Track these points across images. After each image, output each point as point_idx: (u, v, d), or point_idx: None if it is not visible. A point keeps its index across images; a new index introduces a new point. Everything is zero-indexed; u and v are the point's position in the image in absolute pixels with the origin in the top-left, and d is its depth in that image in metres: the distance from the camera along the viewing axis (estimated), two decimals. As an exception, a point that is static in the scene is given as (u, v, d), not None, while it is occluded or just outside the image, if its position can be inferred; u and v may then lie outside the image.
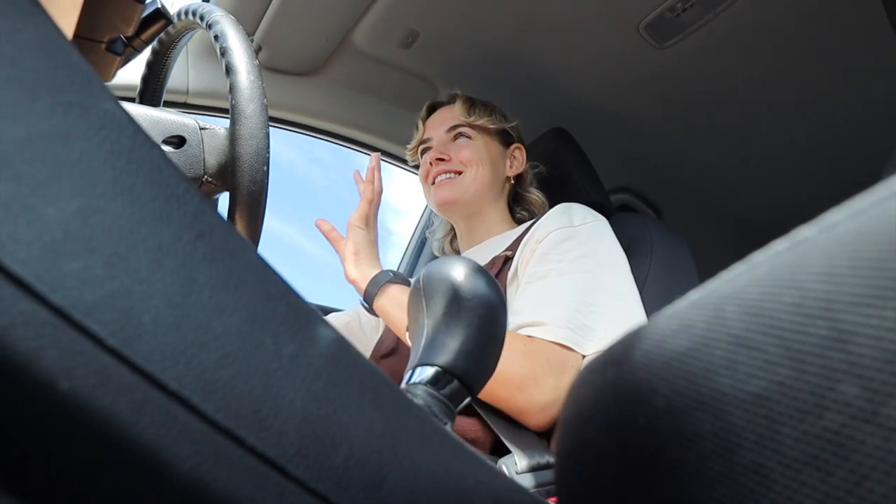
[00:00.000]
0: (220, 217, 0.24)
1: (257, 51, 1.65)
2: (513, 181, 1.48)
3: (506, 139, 1.50)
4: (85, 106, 0.21)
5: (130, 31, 0.47)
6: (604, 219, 1.23)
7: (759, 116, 1.82)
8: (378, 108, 1.92)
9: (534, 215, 1.44)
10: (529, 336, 0.99)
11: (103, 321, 0.18)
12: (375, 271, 1.20)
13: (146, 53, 0.95)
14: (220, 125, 0.82)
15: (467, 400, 0.42)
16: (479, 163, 1.39)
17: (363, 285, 1.19)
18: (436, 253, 1.68)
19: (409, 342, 0.47)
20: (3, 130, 0.18)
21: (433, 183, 1.41)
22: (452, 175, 1.39)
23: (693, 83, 1.74)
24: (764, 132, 1.89)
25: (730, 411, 0.17)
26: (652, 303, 1.13)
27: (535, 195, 1.48)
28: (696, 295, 0.21)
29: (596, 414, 0.22)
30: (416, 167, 2.00)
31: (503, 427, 0.94)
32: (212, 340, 0.21)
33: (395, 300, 1.14)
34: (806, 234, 0.18)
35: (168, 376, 0.19)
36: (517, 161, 1.48)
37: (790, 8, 1.44)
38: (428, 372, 0.41)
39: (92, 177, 0.20)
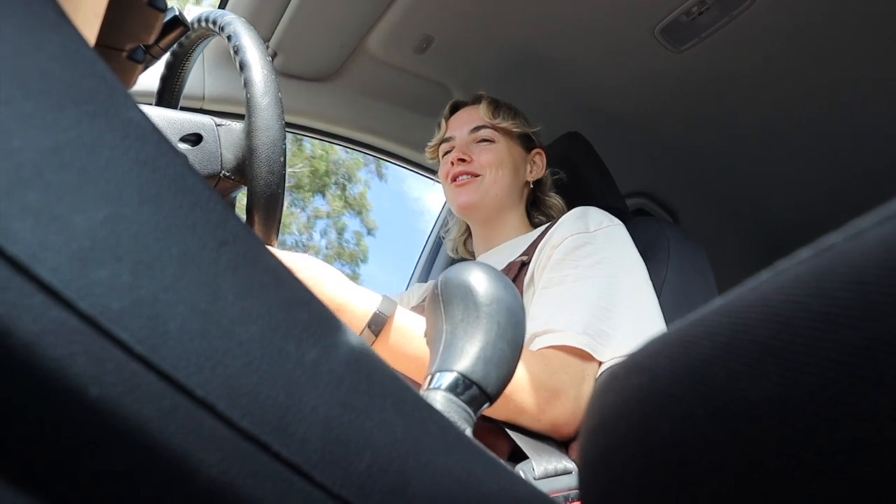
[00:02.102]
0: (243, 224, 0.24)
1: (273, 56, 1.66)
2: (532, 186, 1.48)
3: (527, 144, 1.49)
4: (110, 115, 0.21)
5: (151, 40, 0.47)
6: (620, 223, 1.22)
7: (777, 120, 1.81)
8: (393, 113, 1.92)
9: (551, 219, 1.44)
10: (544, 351, 0.98)
11: (131, 328, 0.19)
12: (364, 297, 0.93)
13: (163, 60, 0.96)
14: (237, 121, 0.83)
15: (486, 406, 0.42)
16: (500, 166, 1.38)
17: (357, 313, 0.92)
18: (449, 253, 1.68)
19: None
20: (33, 140, 0.19)
21: (454, 181, 1.41)
22: (471, 177, 1.38)
23: (710, 87, 1.73)
24: (782, 136, 1.87)
25: (756, 419, 0.17)
26: (670, 308, 1.12)
27: (555, 199, 1.48)
28: (719, 302, 0.21)
29: (620, 421, 0.22)
30: (430, 170, 2.02)
31: (520, 433, 0.94)
32: (236, 347, 0.21)
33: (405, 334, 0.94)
34: (832, 241, 0.18)
35: (194, 383, 0.19)
36: (537, 166, 1.48)
37: (808, 10, 1.43)
38: (447, 378, 0.41)
39: (118, 185, 0.20)
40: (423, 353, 0.87)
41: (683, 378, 0.20)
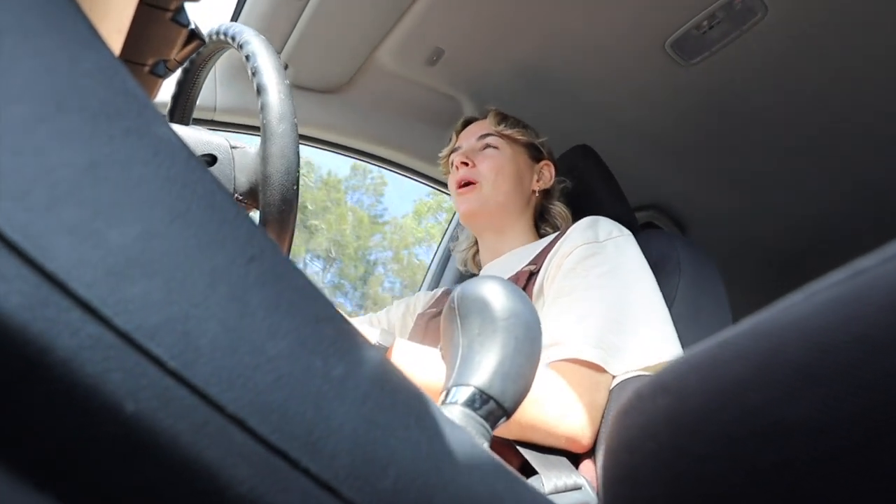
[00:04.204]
0: (270, 240, 0.24)
1: (284, 68, 1.67)
2: (538, 195, 1.48)
3: (535, 154, 1.51)
4: (142, 132, 0.22)
5: (173, 54, 0.48)
6: (629, 233, 1.22)
7: (788, 133, 1.80)
8: (403, 125, 1.93)
9: (557, 228, 1.45)
10: (556, 364, 0.98)
11: (165, 344, 0.19)
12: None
13: (176, 73, 0.97)
14: (251, 144, 0.83)
15: (503, 420, 0.42)
16: (500, 172, 1.41)
17: None
18: (458, 266, 1.68)
19: None
20: (69, 157, 0.19)
21: (458, 189, 1.43)
22: (471, 186, 1.40)
23: (720, 100, 1.73)
24: (792, 149, 1.86)
25: (792, 443, 0.17)
26: (681, 320, 1.11)
27: (559, 207, 1.48)
28: (749, 323, 0.21)
29: (648, 441, 0.22)
30: (440, 182, 2.02)
31: (530, 448, 0.93)
32: (266, 363, 0.21)
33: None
34: (865, 264, 0.18)
35: (226, 398, 0.19)
36: (545, 177, 1.49)
37: (819, 23, 1.43)
38: (464, 392, 0.41)
39: (151, 202, 0.20)
40: (424, 382, 0.87)
41: (715, 400, 0.20)
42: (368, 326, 0.94)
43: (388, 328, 1.53)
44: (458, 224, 1.86)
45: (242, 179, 0.80)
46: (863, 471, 0.16)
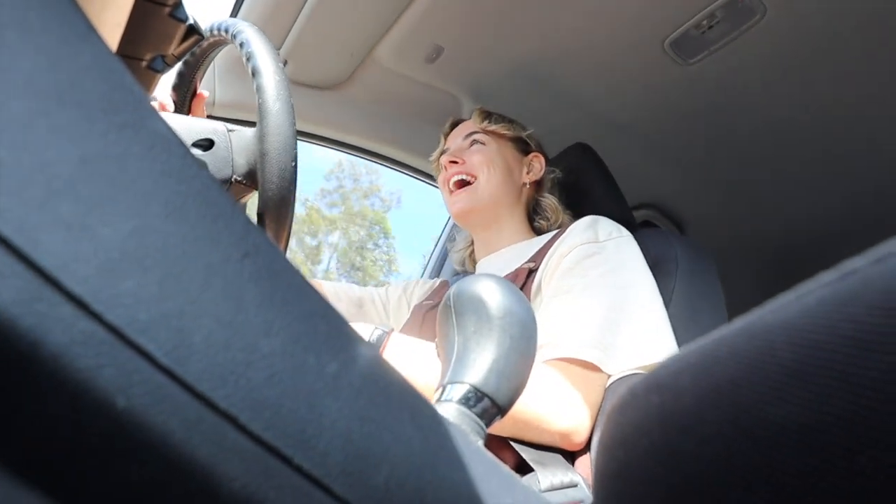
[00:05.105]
0: (265, 236, 0.24)
1: (283, 64, 1.67)
2: (530, 187, 1.50)
3: (523, 147, 1.53)
4: (137, 127, 0.21)
5: (171, 50, 0.47)
6: (629, 234, 1.22)
7: (786, 133, 1.81)
8: (402, 122, 1.93)
9: (548, 221, 1.46)
10: (553, 363, 0.98)
11: (157, 340, 0.19)
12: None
13: (175, 68, 0.97)
14: (247, 127, 0.84)
15: (498, 418, 0.42)
16: (490, 165, 1.42)
17: None
18: (455, 266, 1.68)
19: None
20: (64, 151, 0.19)
21: (450, 189, 1.44)
22: (465, 177, 1.42)
23: (719, 100, 1.73)
24: (790, 149, 1.87)
25: (783, 443, 0.17)
26: (678, 319, 1.12)
27: (549, 200, 1.49)
28: (741, 323, 0.21)
29: (641, 438, 0.22)
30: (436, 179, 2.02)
31: (525, 445, 0.93)
32: (259, 359, 0.21)
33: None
34: (855, 265, 0.18)
35: (218, 395, 0.19)
36: (535, 169, 1.51)
37: (818, 24, 1.43)
38: (459, 390, 0.41)
39: (145, 197, 0.20)
40: (420, 377, 0.87)
41: (707, 398, 0.20)
42: (361, 323, 0.95)
43: (385, 304, 1.55)
44: (455, 225, 1.86)
45: (241, 161, 0.81)
46: (851, 472, 0.16)
